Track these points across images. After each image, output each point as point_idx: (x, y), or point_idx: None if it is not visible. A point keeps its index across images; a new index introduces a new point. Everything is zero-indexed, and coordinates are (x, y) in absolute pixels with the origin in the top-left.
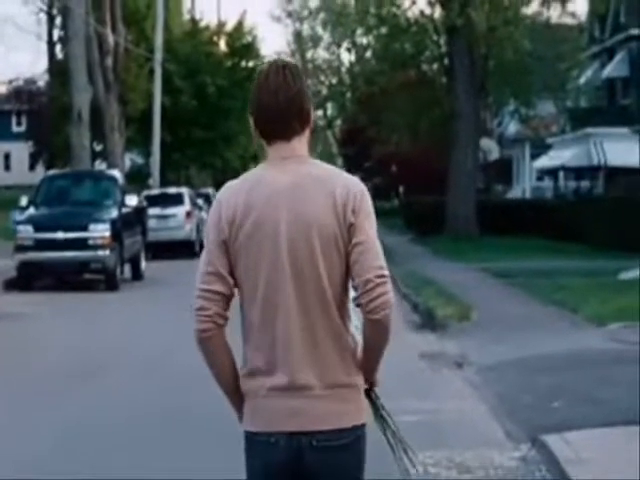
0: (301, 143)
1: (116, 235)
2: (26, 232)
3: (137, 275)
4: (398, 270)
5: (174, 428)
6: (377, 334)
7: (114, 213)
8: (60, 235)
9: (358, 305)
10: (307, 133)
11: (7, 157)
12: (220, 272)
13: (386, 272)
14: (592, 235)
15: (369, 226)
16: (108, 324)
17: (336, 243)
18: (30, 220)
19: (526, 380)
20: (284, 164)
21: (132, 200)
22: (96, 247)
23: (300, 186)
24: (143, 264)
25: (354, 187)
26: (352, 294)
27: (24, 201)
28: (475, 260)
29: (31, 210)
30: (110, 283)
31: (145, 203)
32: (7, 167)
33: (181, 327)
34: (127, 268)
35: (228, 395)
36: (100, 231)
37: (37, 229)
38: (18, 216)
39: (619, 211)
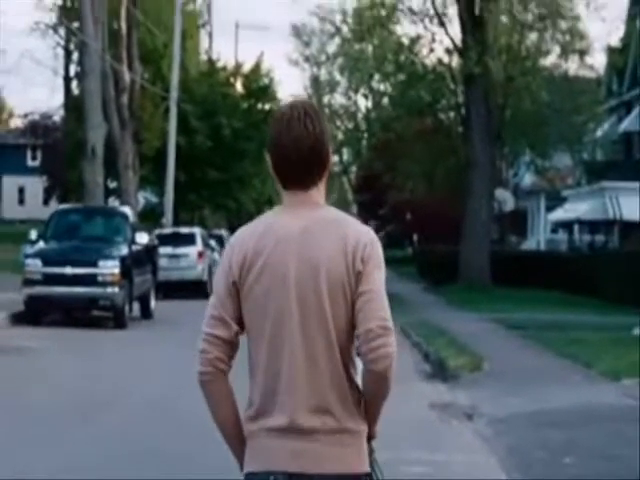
0: (319, 191)
1: (126, 272)
2: (34, 266)
3: (146, 314)
4: (410, 319)
5: (171, 474)
6: (376, 385)
7: (124, 250)
8: (69, 270)
9: (358, 354)
10: (325, 180)
11: (21, 191)
12: (224, 317)
13: (390, 324)
14: (606, 289)
15: (377, 276)
16: (113, 363)
17: (343, 289)
18: (39, 254)
19: (538, 434)
20: (298, 210)
21: (143, 238)
22: (105, 284)
23: (310, 230)
24: (153, 303)
25: (365, 236)
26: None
27: (34, 235)
28: (488, 311)
29: (40, 244)
30: (118, 321)
31: (156, 242)
32: (21, 201)
33: (187, 369)
34: (137, 306)
35: (227, 440)
36: (109, 268)
37: (46, 263)
38: (27, 250)
39: (634, 266)
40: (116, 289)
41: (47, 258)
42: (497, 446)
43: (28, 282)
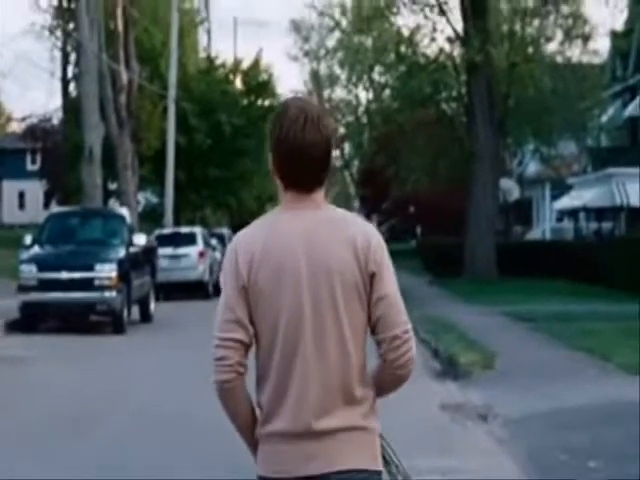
0: (320, 192)
1: (123, 275)
2: (29, 272)
3: (146, 317)
4: (416, 313)
5: None
6: (397, 385)
7: (121, 253)
8: (65, 275)
9: (383, 360)
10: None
11: (21, 195)
12: (241, 320)
13: (410, 326)
14: (614, 277)
15: (390, 278)
16: (110, 371)
17: (357, 291)
18: (33, 259)
19: (558, 435)
20: (299, 209)
21: (141, 239)
22: (102, 288)
23: (316, 232)
24: (152, 306)
25: (374, 237)
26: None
27: (28, 239)
28: (495, 303)
29: (35, 249)
30: (116, 326)
31: (155, 242)
32: (21, 205)
33: (186, 376)
34: (136, 310)
35: (247, 442)
36: (107, 271)
37: (41, 269)
38: (22, 255)
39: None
40: (114, 293)
41: (42, 263)
42: (515, 450)
43: (23, 288)
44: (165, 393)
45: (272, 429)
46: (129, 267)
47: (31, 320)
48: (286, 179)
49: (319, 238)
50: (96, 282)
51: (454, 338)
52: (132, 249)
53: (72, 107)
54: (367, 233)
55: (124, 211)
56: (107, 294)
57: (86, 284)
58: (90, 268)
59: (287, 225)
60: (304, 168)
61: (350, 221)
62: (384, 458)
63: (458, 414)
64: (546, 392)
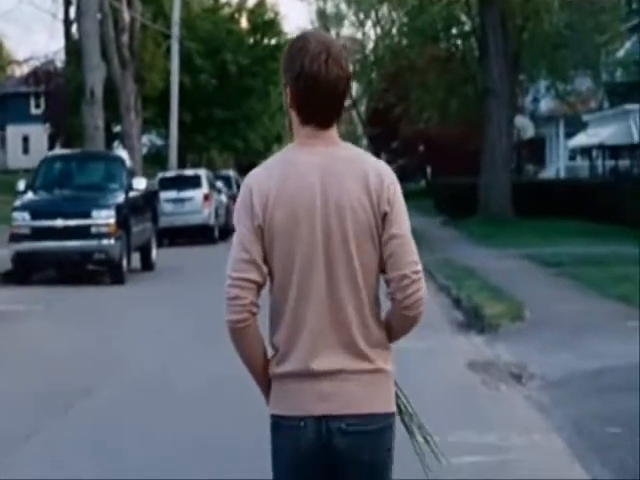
0: (335, 129)
1: (122, 222)
2: (22, 220)
3: (147, 265)
4: (432, 257)
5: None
6: (406, 328)
7: (120, 198)
8: (60, 223)
9: (392, 299)
10: None
11: (26, 140)
12: (255, 260)
13: (420, 267)
14: (634, 217)
15: (403, 218)
16: (107, 328)
17: (370, 230)
18: (26, 206)
19: (607, 401)
20: (314, 146)
21: (140, 183)
22: (100, 235)
23: (331, 168)
24: (154, 253)
25: (388, 176)
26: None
27: (22, 185)
28: (514, 245)
29: (29, 195)
30: (115, 276)
31: (157, 186)
32: (26, 150)
33: (190, 331)
34: (137, 258)
35: (259, 382)
36: (104, 218)
37: (34, 216)
38: (15, 202)
39: None
40: (112, 241)
41: (35, 210)
42: (559, 420)
43: (16, 237)
44: (165, 356)
45: (287, 369)
46: (128, 213)
47: (25, 271)
48: (304, 113)
49: (334, 174)
50: (93, 229)
51: (476, 285)
52: (132, 194)
53: (74, 49)
54: (381, 172)
55: (123, 153)
56: (105, 242)
57: (82, 232)
58: (87, 215)
59: (302, 161)
60: (325, 103)
61: (364, 159)
62: (398, 407)
63: (488, 374)
64: (584, 348)
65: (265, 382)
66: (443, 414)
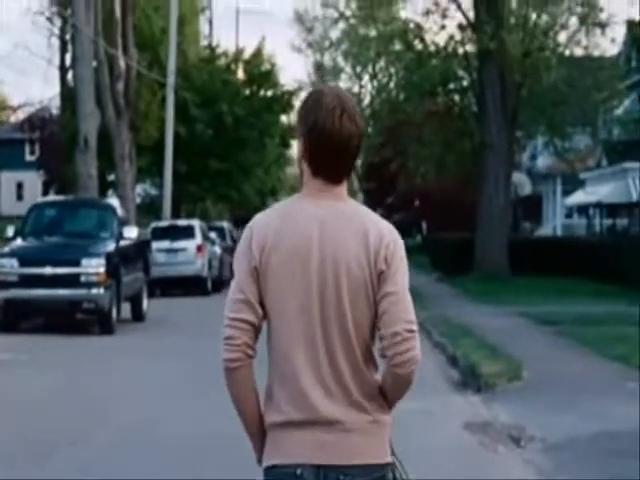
0: (345, 183)
1: (112, 271)
2: (10, 266)
3: (138, 316)
4: (428, 314)
5: None
6: (399, 388)
7: (110, 246)
8: (48, 270)
9: (383, 356)
10: None
11: (20, 186)
12: (250, 300)
13: (415, 327)
14: (632, 276)
15: (401, 276)
16: (94, 378)
17: (365, 288)
18: (15, 253)
19: (611, 466)
20: (320, 198)
21: (132, 232)
22: (89, 284)
23: (332, 222)
24: (145, 303)
25: (388, 235)
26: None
27: (10, 231)
28: (511, 303)
29: (17, 242)
30: (105, 325)
31: (149, 236)
32: (20, 197)
33: (179, 384)
34: (128, 307)
35: (250, 431)
36: (94, 266)
37: (23, 263)
38: (3, 248)
39: None
40: (101, 290)
41: (24, 257)
42: None
43: (3, 284)
44: (154, 409)
45: (283, 418)
46: (119, 262)
47: (12, 319)
48: (315, 166)
49: (333, 228)
50: (82, 278)
51: (472, 343)
52: (122, 242)
53: (70, 96)
54: (382, 230)
55: (114, 201)
56: (94, 291)
57: (72, 280)
58: (76, 263)
59: (304, 211)
60: (336, 158)
61: (367, 217)
62: (394, 476)
63: (486, 436)
64: (585, 410)
65: (255, 431)
66: (439, 476)
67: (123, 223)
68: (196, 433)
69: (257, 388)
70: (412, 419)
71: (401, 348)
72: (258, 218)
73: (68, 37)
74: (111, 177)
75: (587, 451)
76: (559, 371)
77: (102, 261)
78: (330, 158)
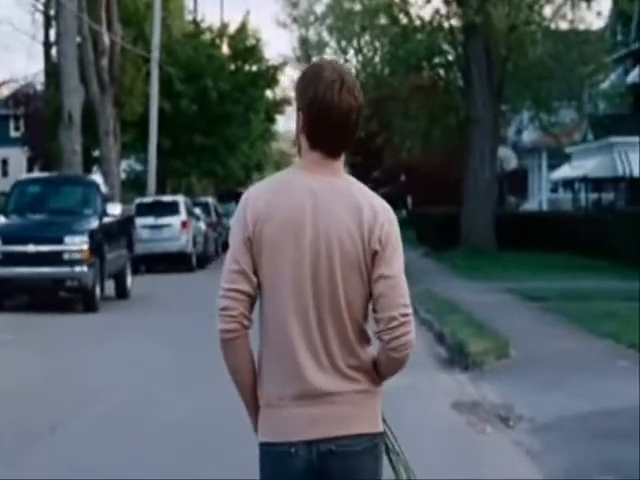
0: (341, 160)
1: (96, 248)
2: None
3: (122, 293)
4: (413, 290)
5: None
6: (393, 368)
7: (94, 223)
8: (31, 248)
9: (379, 339)
10: None
11: (5, 163)
12: (245, 270)
13: (410, 310)
14: (617, 251)
15: (397, 259)
16: (79, 357)
17: (358, 266)
18: None
19: (601, 447)
20: (316, 172)
21: (115, 209)
22: (72, 262)
23: (326, 196)
24: (129, 280)
25: (383, 213)
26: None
27: None
28: (498, 279)
29: (0, 219)
30: (88, 303)
31: (133, 212)
32: (5, 173)
33: (167, 363)
34: (111, 285)
35: (246, 402)
36: (77, 244)
37: (5, 241)
38: None
39: None
40: (85, 268)
41: (7, 235)
42: (554, 469)
43: None
44: (138, 389)
45: (274, 392)
46: (102, 239)
47: None
48: (314, 140)
49: (327, 202)
50: (66, 256)
51: (460, 320)
52: (106, 219)
53: (54, 72)
54: (376, 208)
55: (97, 178)
56: (78, 269)
57: (55, 258)
58: (59, 241)
59: (298, 184)
60: (336, 131)
61: (362, 193)
62: (385, 445)
63: (475, 415)
64: (575, 389)
65: (252, 401)
66: (427, 457)
67: (106, 200)
68: (182, 417)
69: (254, 358)
70: (399, 397)
71: (397, 333)
72: (253, 189)
73: (52, 12)
74: (96, 153)
75: (577, 431)
76: (547, 349)
77: (85, 238)
78: (329, 131)
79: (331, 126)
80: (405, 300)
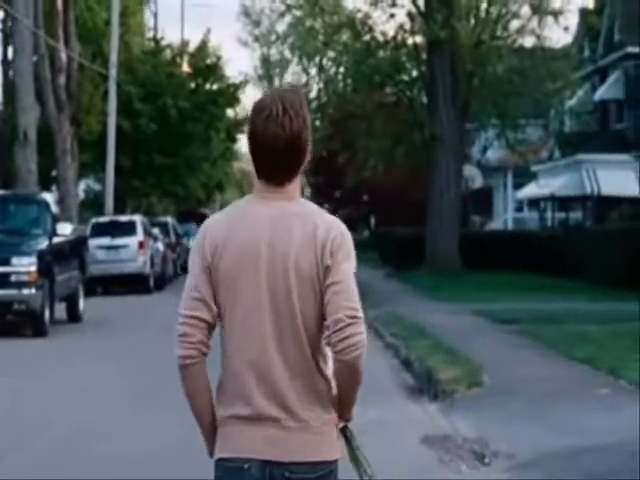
0: (292, 184)
1: (45, 270)
2: None
3: (74, 316)
4: (378, 312)
5: None
6: (347, 375)
7: (43, 244)
8: None
9: (328, 344)
10: (300, 173)
11: None
12: (205, 299)
13: (359, 314)
14: (586, 271)
15: (345, 267)
16: (25, 384)
17: (312, 284)
18: None
19: None
20: (270, 199)
21: (65, 229)
22: (20, 284)
23: (281, 221)
24: (82, 303)
25: (335, 229)
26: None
27: None
28: (464, 300)
29: None
30: (37, 327)
31: (86, 232)
32: None
33: (118, 391)
34: (63, 308)
35: (202, 426)
36: (25, 265)
37: None
38: None
39: (615, 244)
40: (33, 290)
41: None
42: None
43: None
44: (88, 418)
45: (232, 412)
46: (52, 260)
47: None
48: (256, 169)
49: (283, 228)
50: (13, 278)
51: (428, 345)
52: (56, 239)
53: (12, 89)
54: (328, 227)
55: (48, 196)
56: (25, 291)
57: (1, 280)
58: (6, 262)
59: (254, 212)
60: (269, 161)
61: (317, 215)
62: (355, 458)
63: (447, 451)
64: (555, 421)
65: (208, 426)
66: None
67: (57, 219)
68: (131, 449)
69: (209, 384)
70: (364, 430)
71: (344, 334)
72: (212, 219)
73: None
74: (54, 173)
75: (562, 469)
76: (522, 375)
77: (33, 259)
78: (262, 161)
79: (262, 155)
80: (352, 303)
